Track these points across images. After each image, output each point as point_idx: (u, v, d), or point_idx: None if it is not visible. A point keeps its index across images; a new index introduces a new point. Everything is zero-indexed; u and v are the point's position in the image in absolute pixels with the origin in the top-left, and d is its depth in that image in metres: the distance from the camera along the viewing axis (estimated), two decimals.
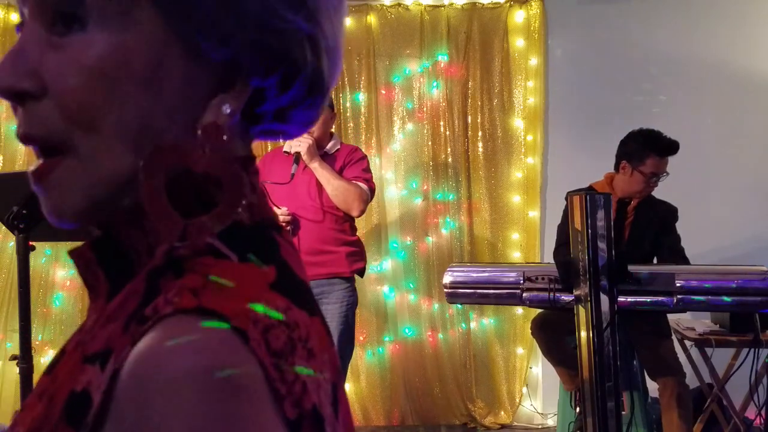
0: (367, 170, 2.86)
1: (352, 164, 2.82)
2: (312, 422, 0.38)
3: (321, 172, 2.72)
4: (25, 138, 0.44)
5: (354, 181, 2.76)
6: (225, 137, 0.43)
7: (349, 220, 2.83)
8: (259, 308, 0.39)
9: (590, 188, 3.02)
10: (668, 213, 3.04)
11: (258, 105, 0.47)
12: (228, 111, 0.44)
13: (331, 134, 2.90)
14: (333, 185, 2.71)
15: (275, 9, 0.44)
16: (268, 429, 0.36)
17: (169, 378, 0.35)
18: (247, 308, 0.39)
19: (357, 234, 2.92)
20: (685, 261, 2.92)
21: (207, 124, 0.43)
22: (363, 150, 3.16)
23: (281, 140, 0.46)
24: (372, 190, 2.85)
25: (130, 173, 0.43)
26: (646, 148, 2.92)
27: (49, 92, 0.43)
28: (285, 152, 2.82)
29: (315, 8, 0.46)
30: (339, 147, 2.88)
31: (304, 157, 2.71)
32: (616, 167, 3.05)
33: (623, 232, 3.01)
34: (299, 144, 2.72)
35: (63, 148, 0.43)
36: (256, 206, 0.47)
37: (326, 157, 2.80)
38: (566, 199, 3.11)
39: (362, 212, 2.82)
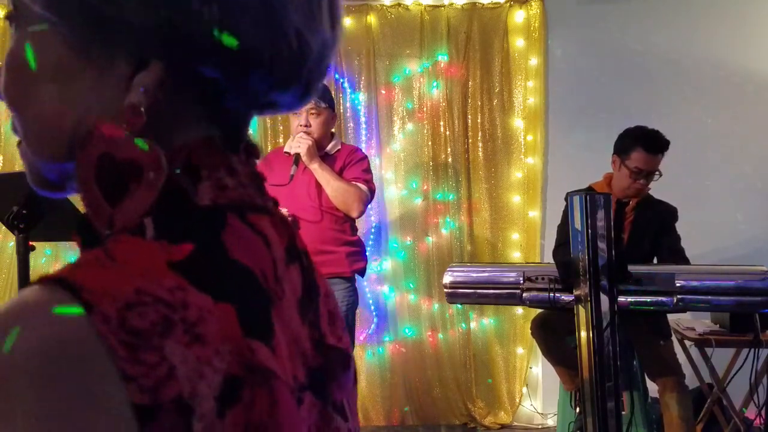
0: (368, 171, 2.85)
1: (352, 165, 2.81)
2: (174, 413, 0.37)
3: (321, 173, 2.72)
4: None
5: (354, 182, 2.76)
6: (143, 117, 0.43)
7: (350, 220, 2.83)
8: (130, 286, 0.38)
9: (589, 189, 3.02)
10: (668, 213, 3.03)
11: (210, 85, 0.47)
12: (143, 89, 0.44)
13: (332, 134, 2.90)
14: (332, 186, 2.71)
15: None
16: (86, 409, 0.35)
17: None
18: (112, 283, 0.38)
19: (357, 234, 2.92)
20: (685, 261, 2.92)
21: (126, 105, 0.44)
22: (363, 150, 3.16)
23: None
24: (372, 191, 2.84)
25: (63, 159, 0.47)
26: (633, 142, 2.91)
27: None
28: (285, 153, 2.82)
29: None
30: (339, 147, 2.88)
31: (304, 158, 2.71)
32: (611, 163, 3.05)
33: (623, 233, 3.00)
34: (299, 145, 2.71)
35: (17, 132, 0.49)
36: (230, 189, 0.47)
37: (327, 158, 2.79)
38: (566, 199, 3.11)
39: (362, 213, 2.82)
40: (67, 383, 0.35)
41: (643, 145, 2.88)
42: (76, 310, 0.36)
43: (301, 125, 2.74)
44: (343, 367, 0.54)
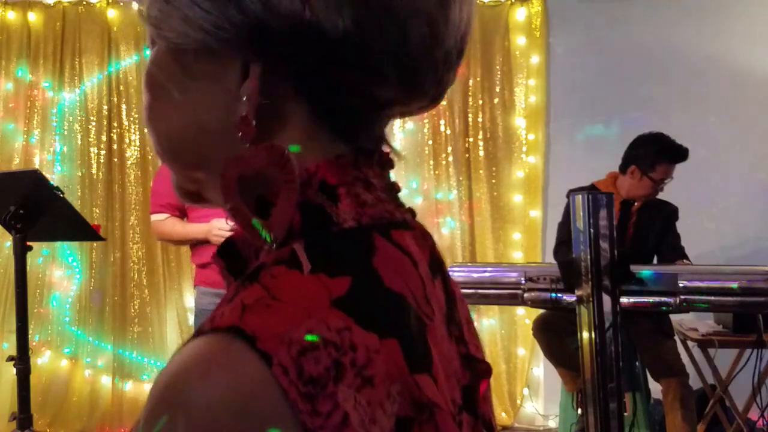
0: None
1: None
2: None
3: None
4: None
5: None
6: (252, 127, 0.42)
7: None
8: (302, 329, 0.36)
9: (593, 187, 3.01)
10: (670, 213, 3.05)
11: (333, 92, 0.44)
12: (245, 98, 0.42)
13: None
14: None
15: None
16: None
17: (173, 404, 0.34)
18: (285, 329, 0.36)
19: None
20: (685, 258, 2.93)
21: (237, 118, 0.43)
22: None
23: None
24: None
25: (192, 169, 0.48)
26: (659, 155, 2.91)
27: None
28: None
29: None
30: None
31: None
32: (623, 169, 3.03)
33: (627, 233, 2.99)
34: None
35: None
36: (369, 205, 0.45)
37: None
38: (568, 197, 3.09)
39: None
40: None
41: (668, 158, 2.91)
42: (261, 362, 0.35)
43: None
44: (486, 379, 0.52)
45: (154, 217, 2.71)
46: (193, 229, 2.61)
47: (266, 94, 0.42)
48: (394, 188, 0.50)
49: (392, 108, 0.47)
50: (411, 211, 0.51)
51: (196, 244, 2.64)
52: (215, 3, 0.42)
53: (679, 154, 2.91)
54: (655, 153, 2.91)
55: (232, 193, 0.43)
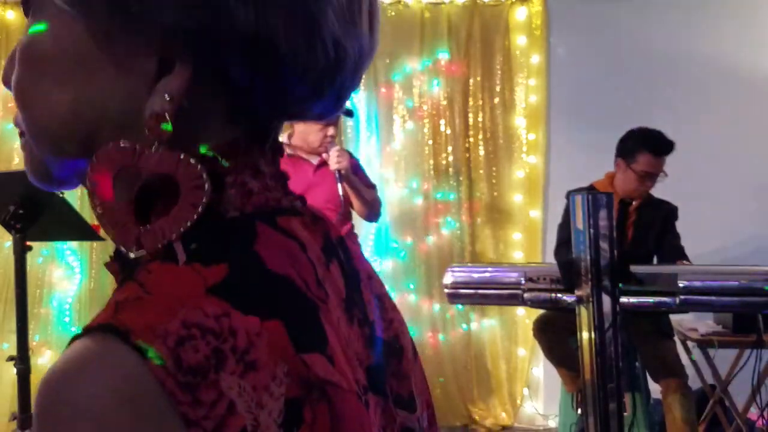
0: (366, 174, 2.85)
1: (357, 171, 2.79)
2: None
3: (359, 184, 2.70)
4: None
5: (371, 190, 2.76)
6: (170, 127, 0.41)
7: (350, 219, 2.81)
8: (176, 319, 0.36)
9: (591, 187, 3.01)
10: (669, 212, 3.05)
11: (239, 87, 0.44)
12: (169, 97, 0.41)
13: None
14: (366, 196, 2.71)
15: None
16: None
17: (50, 408, 0.35)
18: (159, 320, 0.36)
19: (355, 233, 2.90)
20: (685, 258, 2.92)
21: (149, 114, 0.41)
22: (363, 150, 3.14)
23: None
24: None
25: (73, 156, 0.44)
26: (640, 146, 2.92)
27: None
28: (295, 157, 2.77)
29: None
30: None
31: (344, 172, 2.64)
32: (614, 165, 3.05)
33: (626, 233, 2.99)
34: (338, 161, 2.61)
35: (20, 127, 0.47)
36: (255, 194, 0.45)
37: (324, 165, 2.73)
38: (567, 198, 3.09)
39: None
40: None
41: (649, 148, 2.90)
42: (135, 356, 0.35)
43: (330, 135, 2.67)
44: (397, 357, 0.51)
45: None
46: None
47: (188, 95, 0.41)
48: (283, 176, 0.49)
49: (294, 107, 0.47)
50: (301, 199, 0.50)
51: None
52: None
53: (660, 144, 2.89)
54: (636, 144, 2.93)
55: (106, 191, 0.41)
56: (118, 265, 0.46)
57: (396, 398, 0.49)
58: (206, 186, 0.41)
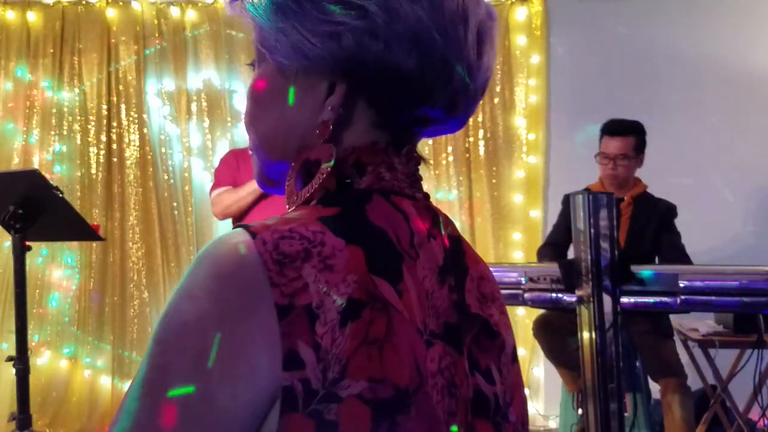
0: None
1: None
2: (302, 316, 0.50)
3: None
4: None
5: None
6: (330, 128, 0.59)
7: None
8: (286, 227, 0.53)
9: (587, 190, 3.01)
10: (667, 210, 3.03)
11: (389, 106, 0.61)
12: (330, 108, 0.59)
13: None
14: None
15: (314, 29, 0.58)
16: (240, 294, 0.50)
17: (199, 256, 0.53)
18: (275, 225, 0.53)
19: None
20: (686, 257, 2.91)
21: (320, 121, 0.60)
22: None
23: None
24: None
25: (279, 160, 0.64)
26: (600, 132, 3.03)
27: None
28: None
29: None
30: None
31: None
32: None
33: (619, 230, 2.99)
34: None
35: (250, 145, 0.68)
36: (386, 180, 0.61)
37: None
38: (563, 203, 3.11)
39: None
40: (232, 278, 0.50)
41: (605, 131, 3.01)
42: (249, 237, 0.52)
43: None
44: (487, 335, 0.64)
45: (215, 192, 2.81)
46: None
47: (345, 107, 0.59)
48: (416, 176, 0.64)
49: (432, 125, 0.64)
50: (426, 195, 0.65)
51: (254, 206, 2.72)
52: (320, 38, 0.57)
53: (614, 124, 2.98)
54: (600, 132, 3.03)
55: (294, 171, 0.63)
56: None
57: (473, 364, 0.61)
58: (329, 168, 0.59)
